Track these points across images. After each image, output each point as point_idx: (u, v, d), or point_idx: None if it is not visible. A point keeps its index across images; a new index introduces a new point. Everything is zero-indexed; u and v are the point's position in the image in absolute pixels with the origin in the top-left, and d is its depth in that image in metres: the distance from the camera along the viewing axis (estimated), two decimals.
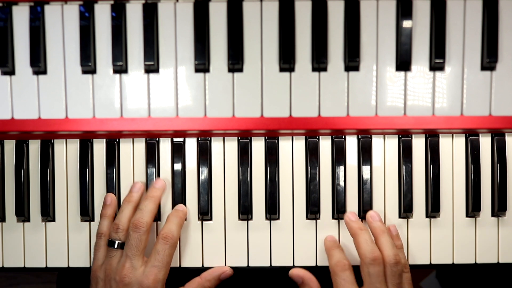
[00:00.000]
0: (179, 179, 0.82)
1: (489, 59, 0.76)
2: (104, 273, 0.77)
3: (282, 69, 0.78)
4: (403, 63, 0.77)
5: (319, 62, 0.77)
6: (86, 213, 0.82)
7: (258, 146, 0.83)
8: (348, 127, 0.78)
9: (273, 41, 0.78)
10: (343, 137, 0.83)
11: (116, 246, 0.77)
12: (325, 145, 0.83)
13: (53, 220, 0.84)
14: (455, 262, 0.83)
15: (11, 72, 0.78)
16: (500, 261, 0.83)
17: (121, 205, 0.81)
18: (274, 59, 0.78)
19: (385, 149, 0.83)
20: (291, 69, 0.78)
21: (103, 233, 0.80)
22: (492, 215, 0.83)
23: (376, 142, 0.83)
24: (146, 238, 0.77)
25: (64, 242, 0.84)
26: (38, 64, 0.77)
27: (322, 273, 0.81)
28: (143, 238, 0.76)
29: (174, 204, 0.82)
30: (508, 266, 0.83)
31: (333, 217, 0.83)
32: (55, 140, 0.84)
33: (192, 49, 0.78)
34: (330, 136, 0.83)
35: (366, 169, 0.82)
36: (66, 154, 0.84)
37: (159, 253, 0.76)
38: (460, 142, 0.83)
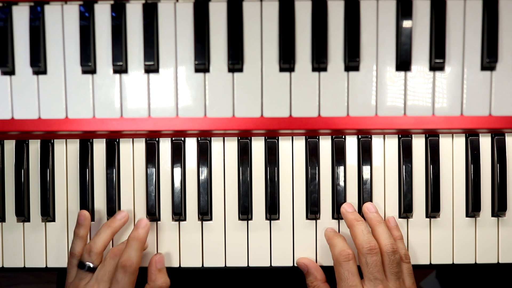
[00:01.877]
0: (179, 179, 0.82)
1: (489, 59, 0.76)
2: None
3: (282, 69, 0.78)
4: (403, 63, 0.77)
5: (319, 62, 0.77)
6: None
7: (258, 146, 0.83)
8: (348, 127, 0.78)
9: (273, 41, 0.78)
10: (343, 137, 0.83)
11: (86, 269, 0.77)
12: (325, 145, 0.83)
13: (53, 220, 0.84)
14: (455, 262, 0.83)
15: (11, 72, 0.78)
16: (500, 261, 0.83)
17: (100, 227, 0.80)
18: (274, 59, 0.78)
19: (385, 149, 0.83)
20: (291, 69, 0.78)
21: (75, 253, 0.79)
22: (492, 215, 0.83)
23: (376, 142, 0.83)
24: (134, 278, 0.76)
25: (64, 242, 0.84)
26: (38, 64, 0.77)
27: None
28: (132, 279, 0.75)
29: (174, 205, 0.82)
30: (508, 266, 0.83)
31: (333, 217, 0.83)
32: (55, 140, 0.84)
33: (192, 49, 0.78)
34: (330, 136, 0.83)
35: (366, 169, 0.82)
36: (66, 154, 0.84)
37: (119, 282, 0.74)
38: (460, 142, 0.83)
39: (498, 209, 0.82)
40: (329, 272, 0.81)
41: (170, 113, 0.78)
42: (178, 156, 0.83)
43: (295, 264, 0.82)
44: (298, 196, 0.83)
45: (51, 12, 0.78)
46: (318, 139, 0.83)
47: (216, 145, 0.83)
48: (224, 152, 0.83)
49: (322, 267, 0.82)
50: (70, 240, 0.83)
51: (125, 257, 0.75)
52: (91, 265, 0.77)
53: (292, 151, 0.83)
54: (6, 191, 0.84)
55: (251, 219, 0.83)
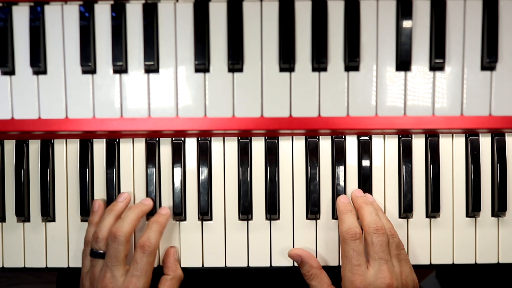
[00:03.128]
0: (179, 179, 0.82)
1: (489, 59, 0.76)
2: (89, 281, 0.77)
3: (282, 69, 0.78)
4: (403, 63, 0.77)
5: (319, 62, 0.77)
6: (86, 213, 0.82)
7: (258, 146, 0.83)
8: (348, 127, 0.78)
9: (273, 41, 0.78)
10: (343, 137, 0.83)
11: (96, 256, 0.77)
12: (325, 145, 0.83)
13: (53, 220, 0.84)
14: (455, 262, 0.83)
15: (11, 72, 0.78)
16: (500, 261, 0.83)
17: (104, 213, 0.80)
18: (274, 59, 0.78)
19: (385, 149, 0.83)
20: (291, 69, 0.78)
21: (89, 240, 0.79)
22: (492, 215, 0.83)
23: (376, 142, 0.83)
24: (126, 248, 0.76)
25: (64, 242, 0.84)
26: (38, 64, 0.77)
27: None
28: (121, 248, 0.75)
29: (174, 205, 0.82)
30: (508, 266, 0.83)
31: (333, 217, 0.83)
32: (55, 140, 0.84)
33: (192, 49, 0.78)
34: (330, 136, 0.83)
35: (366, 169, 0.82)
36: (66, 154, 0.84)
37: (138, 262, 0.75)
38: (460, 142, 0.83)
39: (498, 209, 0.82)
40: (330, 272, 0.81)
41: (170, 113, 0.78)
42: (178, 156, 0.83)
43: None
44: (298, 196, 0.83)
45: (51, 12, 0.78)
46: (318, 139, 0.83)
47: (216, 145, 0.83)
48: (224, 152, 0.83)
49: (323, 267, 0.82)
50: (70, 240, 0.84)
51: (145, 237, 0.76)
52: (100, 251, 0.77)
53: (292, 151, 0.83)
54: (6, 191, 0.84)
55: (251, 219, 0.83)
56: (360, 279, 0.73)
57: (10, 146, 0.84)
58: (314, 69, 0.78)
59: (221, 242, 0.83)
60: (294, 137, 0.83)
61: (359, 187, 0.82)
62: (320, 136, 0.83)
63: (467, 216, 0.83)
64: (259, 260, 0.83)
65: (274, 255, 0.83)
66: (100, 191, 0.83)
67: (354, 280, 0.73)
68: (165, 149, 0.83)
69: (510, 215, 0.83)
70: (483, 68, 0.78)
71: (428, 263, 0.83)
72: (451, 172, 0.82)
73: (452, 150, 0.83)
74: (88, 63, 0.77)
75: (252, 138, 0.83)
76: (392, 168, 0.83)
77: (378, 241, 0.75)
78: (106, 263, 0.75)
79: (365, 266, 0.74)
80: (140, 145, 0.83)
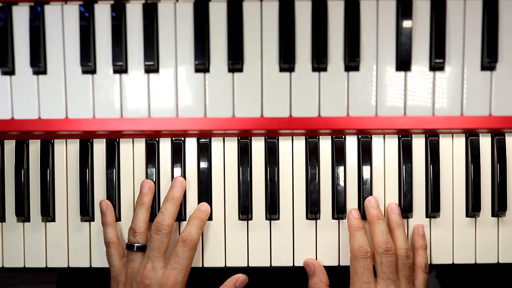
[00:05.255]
0: None
1: (489, 59, 0.76)
2: (125, 276, 0.78)
3: (282, 69, 0.78)
4: (403, 63, 0.77)
5: (319, 62, 0.77)
6: (86, 213, 0.82)
7: (258, 146, 0.83)
8: (348, 127, 0.78)
9: (273, 41, 0.78)
10: (343, 137, 0.83)
11: (135, 250, 0.78)
12: (325, 145, 0.83)
13: (53, 220, 0.84)
14: (455, 262, 0.83)
15: (11, 72, 0.78)
16: (500, 261, 0.83)
17: (134, 208, 0.81)
18: (274, 59, 0.78)
19: (385, 149, 0.83)
20: (291, 69, 0.78)
21: (110, 241, 0.80)
22: (492, 215, 0.83)
23: (376, 142, 0.83)
24: (168, 240, 0.78)
25: (64, 242, 0.84)
26: (38, 64, 0.77)
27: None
28: (165, 240, 0.77)
29: None
30: (508, 266, 0.83)
31: (333, 217, 0.83)
32: (55, 140, 0.83)
33: (192, 49, 0.78)
34: (330, 136, 0.83)
35: (366, 169, 0.82)
36: (66, 154, 0.84)
37: (179, 256, 0.76)
38: (460, 142, 0.83)
39: (498, 209, 0.82)
40: (330, 272, 0.81)
41: (170, 113, 0.78)
42: (178, 156, 0.83)
43: (296, 264, 0.82)
44: (298, 196, 0.83)
45: (51, 12, 0.78)
46: (318, 139, 0.83)
47: (216, 145, 0.83)
48: (224, 152, 0.83)
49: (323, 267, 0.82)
50: (70, 240, 0.84)
51: (186, 232, 0.78)
52: (139, 244, 0.78)
53: (292, 151, 0.83)
54: (6, 191, 0.84)
55: (251, 219, 0.83)
56: None
57: (10, 146, 0.84)
58: (314, 69, 0.78)
59: (221, 242, 0.83)
60: (294, 137, 0.83)
61: (359, 187, 0.82)
62: (320, 136, 0.83)
63: (467, 216, 0.83)
64: (259, 260, 0.83)
65: (274, 255, 0.83)
66: (100, 191, 0.83)
67: None
68: (165, 149, 0.83)
69: (510, 215, 0.83)
70: (483, 68, 0.78)
71: (428, 263, 0.83)
72: (451, 172, 0.82)
73: (452, 150, 0.83)
74: (88, 63, 0.77)
75: (252, 138, 0.83)
76: (392, 168, 0.83)
77: (387, 261, 0.76)
78: (148, 255, 0.77)
79: (374, 284, 0.76)
80: (140, 145, 0.83)
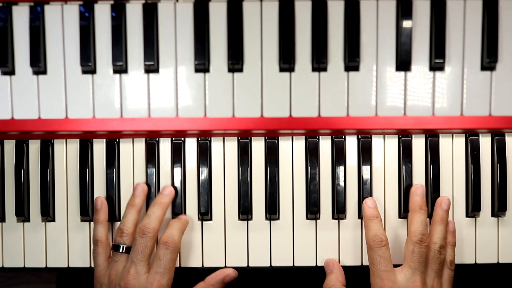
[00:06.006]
0: (179, 179, 0.82)
1: (489, 59, 0.76)
2: (108, 278, 0.77)
3: (282, 69, 0.78)
4: (403, 63, 0.77)
5: (319, 62, 0.77)
6: (86, 213, 0.82)
7: (258, 146, 0.83)
8: (348, 127, 0.78)
9: (273, 41, 0.78)
10: (343, 137, 0.83)
11: (121, 251, 0.78)
12: (325, 145, 0.83)
13: (53, 220, 0.84)
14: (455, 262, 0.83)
15: (11, 72, 0.78)
16: (500, 261, 0.83)
17: (125, 209, 0.81)
18: (274, 59, 0.78)
19: (385, 149, 0.83)
20: (291, 69, 0.78)
21: (99, 239, 0.80)
22: (492, 215, 0.83)
23: (376, 142, 0.83)
24: (153, 244, 0.77)
25: (64, 242, 0.84)
26: (38, 64, 0.77)
27: (322, 273, 0.82)
28: (149, 244, 0.77)
29: (174, 205, 0.82)
30: (508, 266, 0.83)
31: (333, 217, 0.83)
32: (55, 140, 0.83)
33: (192, 49, 0.78)
34: (330, 136, 0.83)
35: (366, 169, 0.82)
36: (66, 154, 0.84)
37: (161, 259, 0.76)
38: (460, 142, 0.83)
39: (498, 209, 0.82)
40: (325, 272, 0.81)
41: (170, 113, 0.78)
42: (178, 156, 0.83)
43: (296, 264, 0.82)
44: (298, 196, 0.83)
45: (51, 12, 0.78)
46: (318, 139, 0.83)
47: (216, 145, 0.83)
48: (224, 152, 0.83)
49: (323, 267, 0.82)
50: (70, 240, 0.84)
51: (168, 234, 0.78)
52: (126, 245, 0.78)
53: (292, 151, 0.83)
54: (6, 191, 0.84)
55: (251, 219, 0.83)
56: (389, 284, 0.74)
57: (10, 146, 0.84)
58: (314, 69, 0.78)
59: (221, 242, 0.83)
60: (294, 137, 0.83)
61: (359, 187, 0.82)
62: (320, 136, 0.83)
63: (467, 216, 0.83)
64: (259, 260, 0.83)
65: (274, 255, 0.83)
66: (100, 191, 0.83)
67: (383, 285, 0.74)
68: (165, 149, 0.83)
69: (510, 215, 0.83)
70: (483, 68, 0.78)
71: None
72: (451, 172, 0.82)
73: (452, 150, 0.83)
74: (88, 63, 0.77)
75: (252, 138, 0.83)
76: (392, 168, 0.83)
77: (419, 251, 0.75)
78: (131, 258, 0.76)
79: (393, 271, 0.75)
80: (140, 145, 0.83)
